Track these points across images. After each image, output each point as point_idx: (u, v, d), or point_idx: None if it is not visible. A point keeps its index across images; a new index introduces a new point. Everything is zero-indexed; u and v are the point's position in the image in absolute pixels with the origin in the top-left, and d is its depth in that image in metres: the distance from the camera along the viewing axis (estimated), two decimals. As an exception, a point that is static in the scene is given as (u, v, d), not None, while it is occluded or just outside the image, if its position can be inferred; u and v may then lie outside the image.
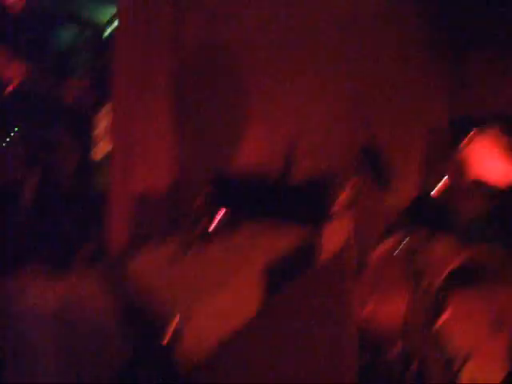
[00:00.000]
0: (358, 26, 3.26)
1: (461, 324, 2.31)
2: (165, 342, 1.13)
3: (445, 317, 2.20)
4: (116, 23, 2.65)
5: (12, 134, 2.57)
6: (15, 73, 2.68)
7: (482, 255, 2.27)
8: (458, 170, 2.60)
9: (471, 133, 2.64)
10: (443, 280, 2.15)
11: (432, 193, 2.65)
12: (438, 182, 2.65)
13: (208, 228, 1.61)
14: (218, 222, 1.63)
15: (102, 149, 2.82)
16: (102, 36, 3.02)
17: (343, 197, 1.67)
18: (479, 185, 2.51)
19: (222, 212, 1.64)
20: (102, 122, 2.81)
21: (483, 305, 2.34)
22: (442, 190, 2.63)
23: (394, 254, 2.26)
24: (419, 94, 3.75)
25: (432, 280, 2.19)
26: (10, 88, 2.61)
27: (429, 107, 3.84)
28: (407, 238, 2.31)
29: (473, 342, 2.25)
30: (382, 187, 1.88)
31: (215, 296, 1.29)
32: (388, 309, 2.20)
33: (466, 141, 2.64)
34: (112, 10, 3.02)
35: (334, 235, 1.62)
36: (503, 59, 4.16)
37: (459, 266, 2.16)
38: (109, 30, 3.00)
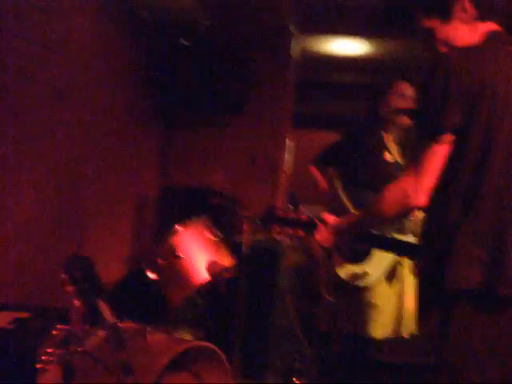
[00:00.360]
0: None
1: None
2: None
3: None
4: None
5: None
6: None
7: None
8: (168, 256, 2.78)
9: (178, 224, 2.81)
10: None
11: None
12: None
13: None
14: None
15: None
16: None
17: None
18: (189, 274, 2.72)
19: None
20: None
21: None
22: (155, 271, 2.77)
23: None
24: (130, 165, 3.94)
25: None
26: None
27: (140, 178, 4.07)
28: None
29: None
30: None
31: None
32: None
33: (173, 230, 2.81)
34: None
35: None
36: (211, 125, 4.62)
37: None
38: None
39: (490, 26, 1.77)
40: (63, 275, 1.77)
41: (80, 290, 1.78)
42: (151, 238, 4.25)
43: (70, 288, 1.76)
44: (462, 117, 1.62)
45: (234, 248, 3.13)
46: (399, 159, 3.18)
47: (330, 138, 8.81)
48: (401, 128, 3.19)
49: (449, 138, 1.64)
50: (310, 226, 2.01)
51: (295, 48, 4.76)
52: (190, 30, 4.21)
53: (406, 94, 3.15)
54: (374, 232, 2.33)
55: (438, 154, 1.65)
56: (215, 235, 2.96)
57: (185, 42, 4.20)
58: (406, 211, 1.80)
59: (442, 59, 1.71)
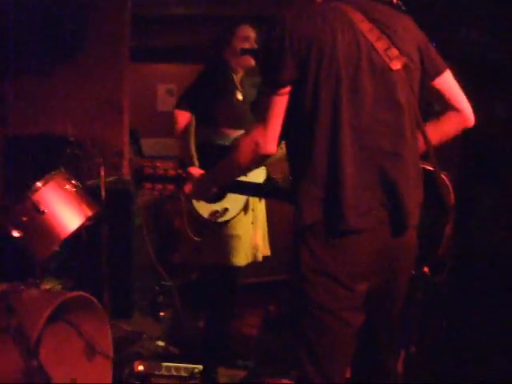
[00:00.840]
0: None
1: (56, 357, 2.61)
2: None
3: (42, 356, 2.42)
4: None
5: None
6: None
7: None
8: (32, 213, 2.77)
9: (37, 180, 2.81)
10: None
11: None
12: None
13: None
14: None
15: None
16: None
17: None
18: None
19: None
20: None
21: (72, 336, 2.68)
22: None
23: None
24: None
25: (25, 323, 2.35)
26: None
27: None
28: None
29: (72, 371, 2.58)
30: None
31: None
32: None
33: (34, 187, 2.81)
34: None
35: None
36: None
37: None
38: None
39: None
40: None
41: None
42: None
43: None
44: (296, 70, 1.79)
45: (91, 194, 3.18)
46: (245, 98, 3.36)
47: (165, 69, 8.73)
48: (246, 68, 3.35)
49: (286, 89, 1.81)
50: (178, 180, 2.12)
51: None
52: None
53: (248, 36, 3.29)
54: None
55: (279, 104, 1.82)
56: (75, 186, 2.98)
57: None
58: (259, 160, 1.93)
59: (278, 19, 1.85)
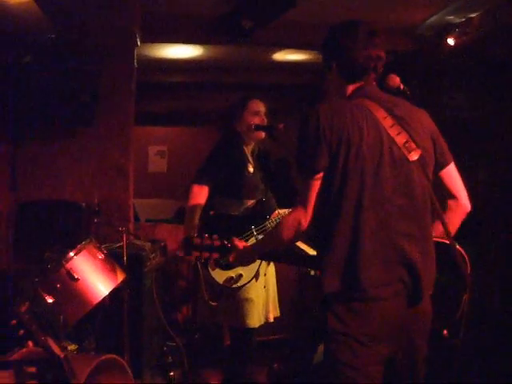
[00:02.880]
0: None
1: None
2: None
3: None
4: None
5: None
6: None
7: None
8: (65, 280, 2.94)
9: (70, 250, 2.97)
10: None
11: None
12: None
13: None
14: None
15: None
16: None
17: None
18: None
19: None
20: None
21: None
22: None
23: None
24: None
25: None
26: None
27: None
28: None
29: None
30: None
31: None
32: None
33: (67, 256, 2.98)
34: None
35: None
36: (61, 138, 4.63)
37: None
38: None
39: (356, 85, 2.24)
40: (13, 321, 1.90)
41: (30, 333, 1.92)
42: (9, 256, 4.22)
43: (21, 332, 1.90)
44: (328, 159, 2.07)
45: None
46: (256, 167, 3.61)
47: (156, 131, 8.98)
48: (256, 141, 3.62)
49: (320, 175, 2.09)
50: (223, 249, 2.33)
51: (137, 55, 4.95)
52: (36, 43, 4.21)
53: (259, 111, 3.57)
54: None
55: (314, 188, 2.10)
56: (104, 254, 3.16)
57: (27, 58, 4.17)
58: (300, 235, 2.19)
59: (313, 112, 2.13)
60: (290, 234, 2.17)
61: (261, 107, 3.59)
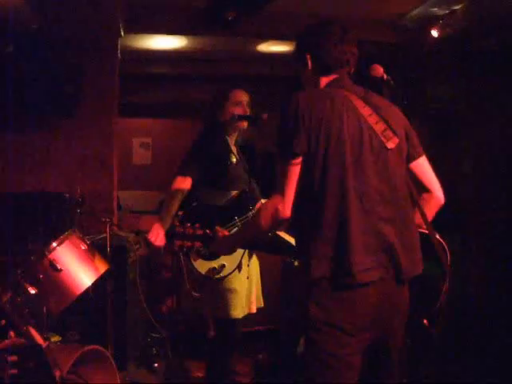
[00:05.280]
0: None
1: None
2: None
3: None
4: None
5: None
6: None
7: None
8: (48, 271, 2.92)
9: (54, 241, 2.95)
10: None
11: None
12: None
13: None
14: None
15: None
16: None
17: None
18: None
19: None
20: None
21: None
22: None
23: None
24: None
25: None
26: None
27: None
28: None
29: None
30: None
31: None
32: None
33: (50, 246, 2.94)
34: None
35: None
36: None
37: None
38: None
39: (332, 76, 2.27)
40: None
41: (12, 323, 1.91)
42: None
43: (2, 322, 1.89)
44: (307, 144, 2.08)
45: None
46: (239, 158, 3.60)
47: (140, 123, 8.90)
48: (239, 131, 3.61)
49: (298, 160, 2.10)
50: (205, 238, 2.34)
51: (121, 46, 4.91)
52: (18, 33, 4.16)
53: (241, 101, 3.55)
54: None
55: (291, 174, 2.11)
56: (87, 245, 3.15)
57: (9, 48, 4.13)
58: (278, 223, 2.19)
59: (292, 100, 2.15)
60: (268, 222, 2.16)
61: (243, 97, 3.58)
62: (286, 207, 2.11)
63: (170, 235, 2.31)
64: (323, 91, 2.25)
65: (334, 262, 2.05)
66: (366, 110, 2.16)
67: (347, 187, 2.06)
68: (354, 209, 2.06)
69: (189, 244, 2.32)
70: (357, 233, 2.05)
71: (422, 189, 2.31)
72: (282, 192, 2.12)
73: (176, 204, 3.37)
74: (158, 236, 3.16)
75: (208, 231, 2.33)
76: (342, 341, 2.04)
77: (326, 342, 2.05)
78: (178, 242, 2.31)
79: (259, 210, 2.24)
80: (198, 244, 2.33)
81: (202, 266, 3.30)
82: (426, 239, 2.19)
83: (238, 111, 3.51)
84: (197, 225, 2.32)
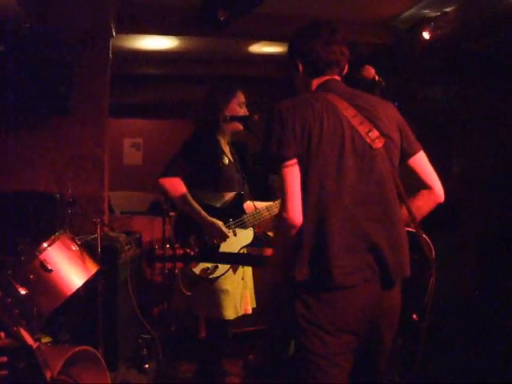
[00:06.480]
0: None
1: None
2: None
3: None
4: None
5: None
6: None
7: None
8: (39, 271, 2.91)
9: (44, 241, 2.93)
10: None
11: None
12: None
13: None
14: None
15: None
16: None
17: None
18: None
19: None
20: None
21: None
22: None
23: None
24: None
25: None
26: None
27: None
28: None
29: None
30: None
31: None
32: None
33: (41, 247, 2.94)
34: None
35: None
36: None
37: None
38: None
39: (325, 78, 2.29)
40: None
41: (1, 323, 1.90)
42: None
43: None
44: (297, 146, 2.09)
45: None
46: (231, 158, 3.58)
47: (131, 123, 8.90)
48: (232, 133, 3.59)
49: (291, 162, 2.09)
50: (186, 258, 2.32)
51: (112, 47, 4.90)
52: (10, 32, 4.15)
53: (244, 102, 3.54)
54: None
55: (291, 178, 2.10)
56: (78, 245, 3.14)
57: (1, 47, 4.11)
58: (294, 230, 2.12)
59: (276, 111, 2.16)
60: (286, 236, 2.13)
61: (243, 98, 3.58)
62: (294, 212, 2.08)
63: (149, 258, 2.29)
64: (305, 96, 2.27)
65: (314, 266, 2.07)
66: (349, 112, 2.17)
67: (328, 191, 2.08)
68: (335, 211, 2.07)
69: (170, 266, 2.31)
70: (336, 234, 2.06)
71: (423, 185, 2.30)
72: (285, 199, 2.10)
73: (194, 202, 3.34)
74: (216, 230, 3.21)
75: (188, 250, 2.31)
76: (325, 340, 2.06)
77: (311, 342, 2.08)
78: (158, 265, 2.30)
79: (275, 227, 2.24)
80: (179, 265, 2.32)
81: (196, 266, 3.30)
82: (412, 237, 2.21)
83: (241, 112, 3.50)
84: (176, 245, 2.30)
